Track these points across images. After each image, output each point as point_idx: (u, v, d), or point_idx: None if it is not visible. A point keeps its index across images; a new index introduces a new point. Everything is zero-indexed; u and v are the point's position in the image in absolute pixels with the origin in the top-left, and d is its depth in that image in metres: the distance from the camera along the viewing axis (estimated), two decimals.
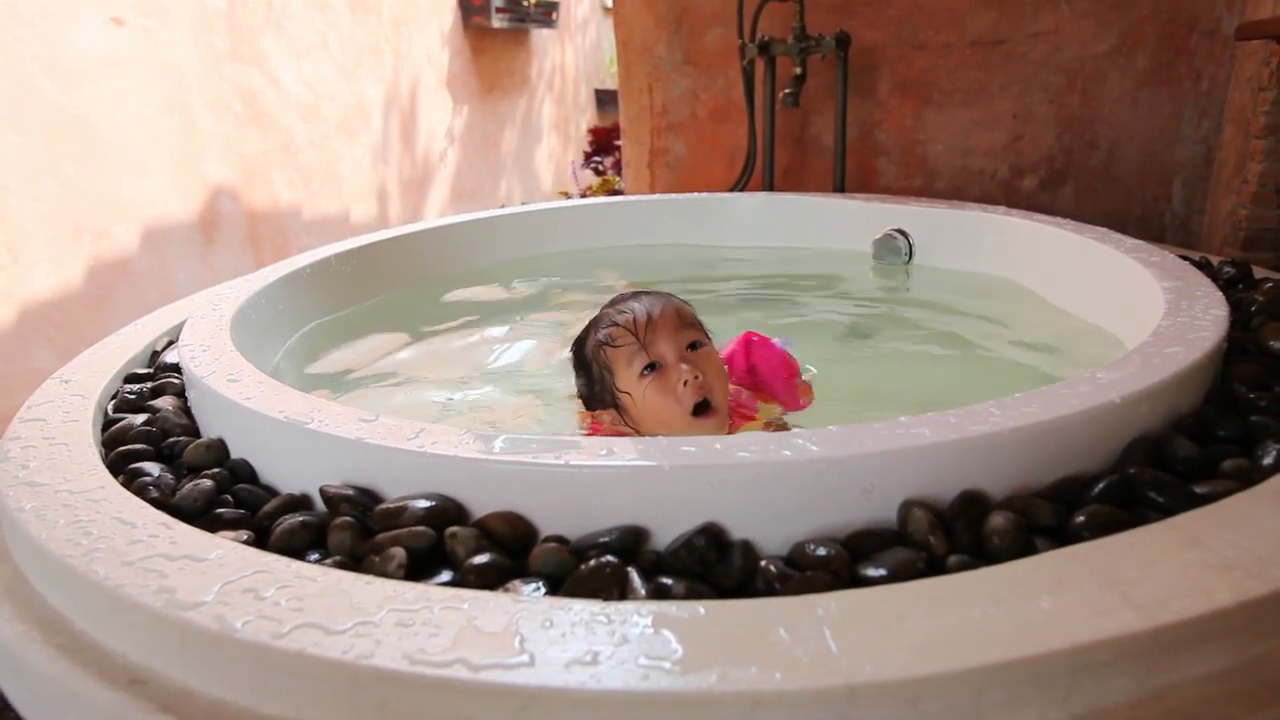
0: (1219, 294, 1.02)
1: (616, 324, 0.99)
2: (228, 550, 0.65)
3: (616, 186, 3.81)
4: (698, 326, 1.00)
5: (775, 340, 1.07)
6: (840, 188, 2.12)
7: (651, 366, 0.96)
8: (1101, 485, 0.67)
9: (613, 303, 1.05)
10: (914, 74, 2.10)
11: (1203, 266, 1.33)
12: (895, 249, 1.79)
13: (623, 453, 0.67)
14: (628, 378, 0.97)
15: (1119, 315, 1.25)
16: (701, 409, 0.95)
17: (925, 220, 1.77)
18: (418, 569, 0.64)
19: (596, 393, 1.03)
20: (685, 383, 0.93)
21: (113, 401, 1.03)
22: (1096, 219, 2.06)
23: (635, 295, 1.04)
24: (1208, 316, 0.94)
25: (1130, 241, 1.33)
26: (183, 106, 3.13)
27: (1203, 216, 2.00)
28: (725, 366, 1.01)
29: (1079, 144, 2.05)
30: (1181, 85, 1.95)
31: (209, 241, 3.30)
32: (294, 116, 3.65)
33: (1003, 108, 2.07)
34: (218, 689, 0.56)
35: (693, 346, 0.97)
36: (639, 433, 0.98)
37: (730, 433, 0.99)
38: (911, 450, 0.66)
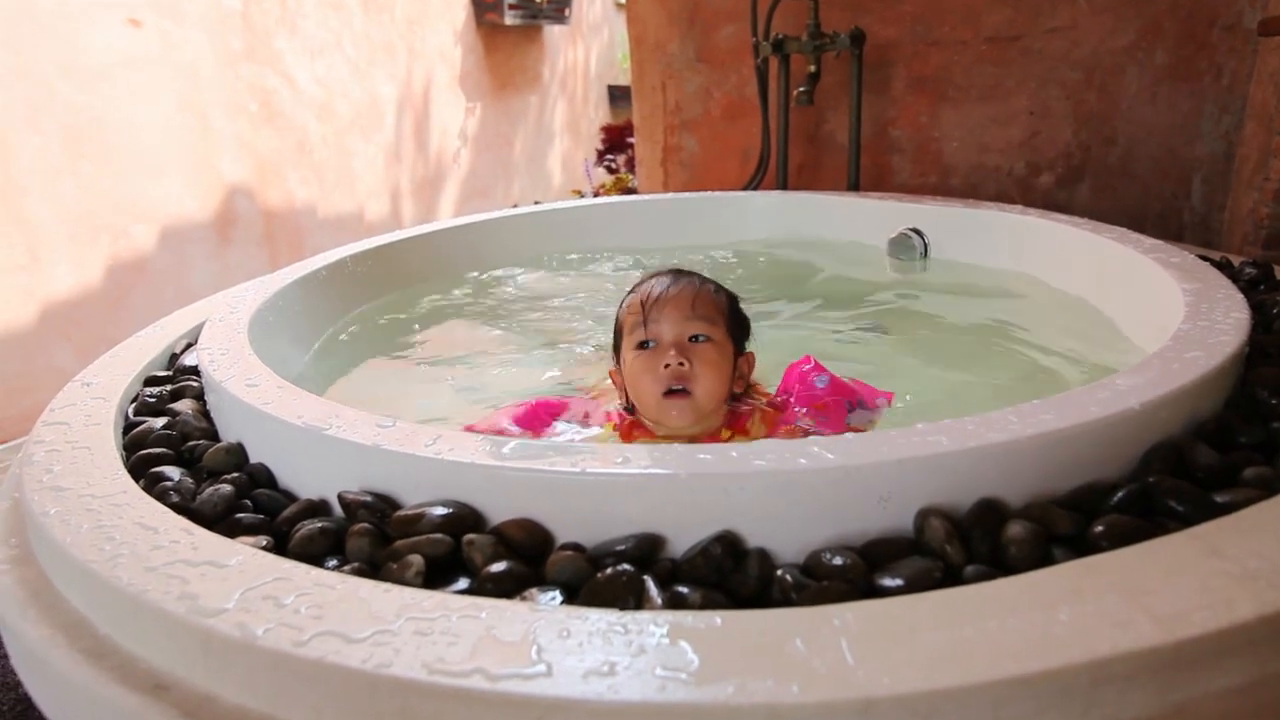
0: (1240, 296, 1.01)
1: (640, 294, 1.03)
2: (248, 556, 0.65)
3: (630, 184, 3.80)
4: (711, 320, 1.00)
5: (816, 379, 1.02)
6: (855, 185, 2.11)
7: (645, 344, 1.00)
8: (1121, 494, 0.67)
9: (654, 273, 1.08)
10: (929, 70, 2.09)
11: (1223, 267, 1.31)
12: (910, 248, 1.78)
13: (639, 461, 0.67)
14: (627, 345, 1.03)
15: (1138, 317, 1.24)
16: (674, 392, 0.97)
17: (941, 219, 1.75)
18: (435, 576, 0.65)
19: (615, 346, 1.08)
20: (667, 365, 0.96)
21: (133, 404, 1.04)
22: (1114, 217, 2.05)
23: (669, 273, 1.06)
24: (1228, 320, 0.93)
25: (1149, 241, 1.32)
26: (198, 106, 3.15)
27: (1223, 214, 1.98)
28: (729, 367, 1.00)
29: (1097, 140, 2.02)
30: (1202, 80, 1.93)
31: (225, 240, 3.33)
32: (308, 115, 3.66)
33: (1019, 104, 2.05)
34: (239, 695, 0.56)
35: (695, 338, 0.98)
36: (627, 395, 1.03)
37: (720, 431, 1.00)
38: (928, 459, 0.65)
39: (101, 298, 2.86)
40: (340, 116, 3.83)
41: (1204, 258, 1.32)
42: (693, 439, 0.98)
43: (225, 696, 0.57)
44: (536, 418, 1.10)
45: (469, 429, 1.12)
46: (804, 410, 0.97)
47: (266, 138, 3.45)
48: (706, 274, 1.11)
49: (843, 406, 0.97)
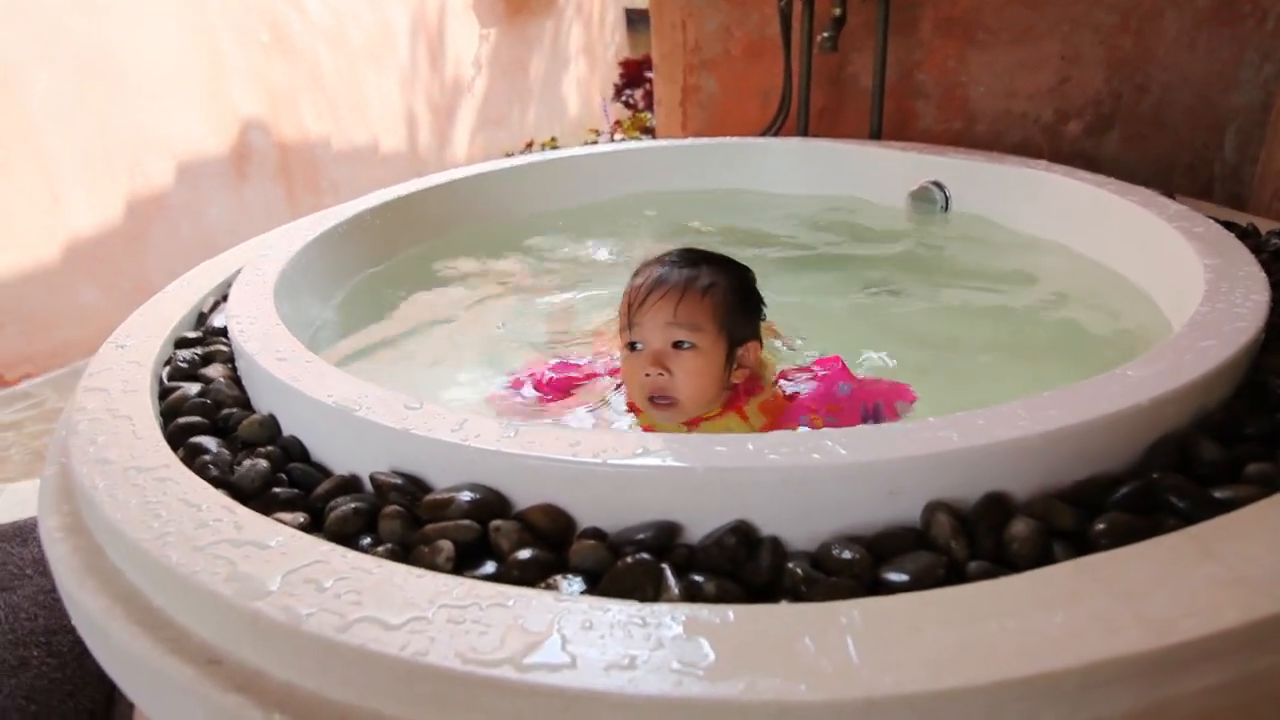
0: (1262, 275, 1.00)
1: (630, 288, 1.01)
2: (287, 537, 0.69)
3: (648, 123, 3.73)
4: (696, 325, 0.96)
5: (839, 385, 1.00)
6: (877, 131, 2.07)
7: (633, 345, 0.99)
8: (1123, 491, 0.69)
9: (660, 256, 1.04)
10: (958, 12, 2.02)
11: (1249, 234, 1.30)
12: (931, 201, 1.77)
13: (658, 452, 0.70)
14: (620, 339, 1.02)
15: (1158, 284, 1.24)
16: (657, 400, 0.98)
17: (964, 173, 1.73)
18: (464, 557, 0.68)
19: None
20: (648, 375, 0.96)
21: (167, 368, 1.07)
22: (1143, 167, 2.01)
23: (667, 265, 1.00)
24: (1247, 303, 0.93)
25: (1174, 207, 1.30)
26: (209, 37, 3.10)
27: (1255, 167, 1.93)
28: (717, 369, 0.98)
29: (1129, 87, 1.97)
30: (1244, 25, 1.86)
31: (240, 175, 3.32)
32: (320, 44, 3.59)
33: (1050, 48, 1.98)
34: (287, 673, 0.61)
35: (679, 344, 0.96)
36: None
37: (715, 416, 1.00)
38: (938, 455, 0.68)
39: (121, 234, 2.89)
40: (352, 44, 3.75)
41: (1230, 224, 1.31)
42: (689, 420, 1.00)
43: (274, 673, 0.61)
44: (555, 385, 1.12)
45: (496, 397, 1.15)
46: (813, 415, 0.97)
47: (278, 68, 3.40)
48: (720, 245, 1.06)
49: (857, 414, 0.97)
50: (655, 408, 0.98)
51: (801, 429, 0.95)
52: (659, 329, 0.97)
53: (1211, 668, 0.55)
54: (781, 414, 0.99)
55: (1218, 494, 0.69)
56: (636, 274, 1.03)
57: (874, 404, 0.99)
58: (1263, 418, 0.80)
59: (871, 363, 1.20)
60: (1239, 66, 1.89)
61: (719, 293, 0.98)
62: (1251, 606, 0.56)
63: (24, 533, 1.29)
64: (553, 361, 1.22)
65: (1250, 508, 0.67)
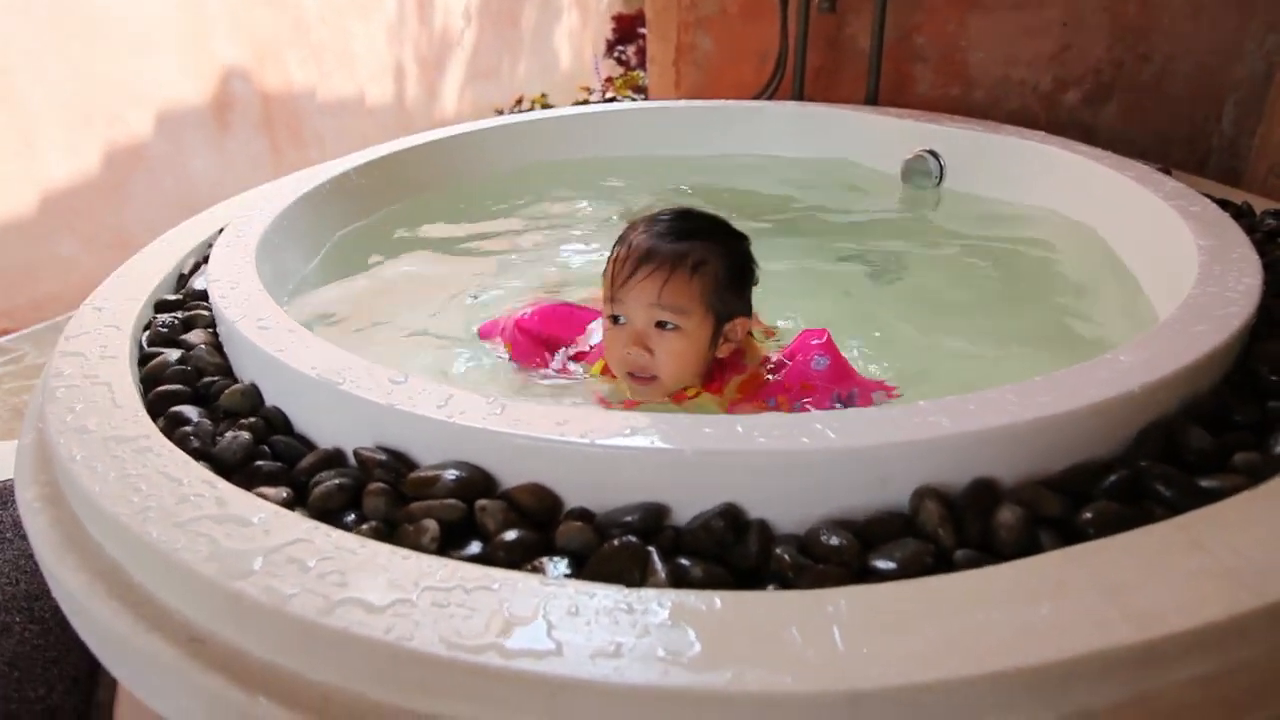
0: (1255, 258, 1.00)
1: (615, 255, 0.96)
2: (270, 514, 0.68)
3: (640, 81, 3.65)
4: (680, 308, 0.92)
5: (815, 359, 0.97)
6: (874, 95, 2.03)
7: (615, 318, 0.96)
8: (1111, 479, 0.69)
9: (650, 220, 0.98)
10: None
11: (1244, 214, 1.29)
12: (926, 170, 1.74)
13: (646, 433, 0.69)
14: (604, 308, 0.98)
15: (1152, 265, 1.23)
16: (636, 376, 0.96)
17: (959, 142, 1.70)
18: (449, 537, 0.68)
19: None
20: (629, 352, 0.94)
21: (146, 333, 1.05)
22: (1141, 138, 1.99)
23: (655, 236, 0.94)
24: (1239, 286, 0.92)
25: (1170, 184, 1.29)
26: None
27: (1252, 139, 1.92)
28: (701, 348, 0.95)
29: (1131, 56, 1.93)
30: None
31: (223, 125, 3.23)
32: None
33: (1052, 14, 1.94)
34: (271, 654, 0.60)
35: (663, 324, 0.93)
36: None
37: (694, 395, 0.98)
38: (928, 441, 0.67)
39: (100, 185, 2.82)
40: None
41: (1225, 202, 1.30)
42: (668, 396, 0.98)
43: (257, 654, 0.61)
44: (546, 321, 1.11)
45: (482, 331, 1.14)
46: (782, 398, 0.94)
47: (262, 16, 3.29)
48: (714, 207, 1.02)
49: (829, 399, 0.94)
50: (634, 382, 0.96)
51: (770, 408, 0.93)
52: (642, 308, 0.93)
53: (1196, 660, 0.56)
54: (755, 393, 0.97)
55: (1205, 483, 0.69)
56: (623, 238, 0.97)
57: (849, 391, 0.95)
58: (1252, 406, 0.79)
59: (856, 340, 1.19)
60: (1243, 37, 1.86)
61: (709, 271, 0.93)
62: (1237, 600, 0.57)
63: (3, 496, 1.28)
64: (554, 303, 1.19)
65: (1237, 498, 0.67)
